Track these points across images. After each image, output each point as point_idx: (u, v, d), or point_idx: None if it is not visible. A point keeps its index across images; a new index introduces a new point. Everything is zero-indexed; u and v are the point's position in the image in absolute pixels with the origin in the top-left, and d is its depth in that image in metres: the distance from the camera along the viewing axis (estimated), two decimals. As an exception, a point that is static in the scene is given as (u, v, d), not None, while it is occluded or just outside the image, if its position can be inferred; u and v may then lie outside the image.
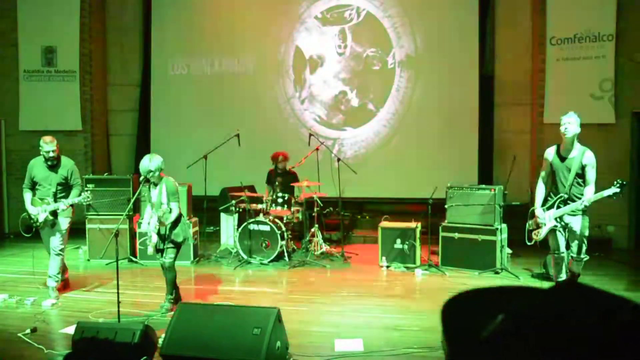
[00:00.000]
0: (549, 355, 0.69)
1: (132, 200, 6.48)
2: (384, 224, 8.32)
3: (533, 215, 6.11)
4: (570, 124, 5.67)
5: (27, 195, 6.72)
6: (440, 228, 8.05)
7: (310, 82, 11.38)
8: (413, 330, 5.48)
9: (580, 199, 5.71)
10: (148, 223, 6.04)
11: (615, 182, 5.53)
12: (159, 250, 6.09)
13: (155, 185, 6.04)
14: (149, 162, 5.90)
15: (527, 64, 10.50)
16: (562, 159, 5.83)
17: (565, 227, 5.87)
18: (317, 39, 11.32)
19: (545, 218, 5.91)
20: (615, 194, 5.53)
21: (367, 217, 10.54)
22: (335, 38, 11.23)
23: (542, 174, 6.11)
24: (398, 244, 8.08)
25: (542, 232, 5.94)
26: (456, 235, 7.91)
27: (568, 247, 5.95)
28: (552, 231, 5.92)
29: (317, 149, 9.11)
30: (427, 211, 7.97)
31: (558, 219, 5.85)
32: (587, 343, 0.68)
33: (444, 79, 10.80)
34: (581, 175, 5.73)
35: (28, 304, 6.34)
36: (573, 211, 5.76)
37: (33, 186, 6.74)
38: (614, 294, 0.75)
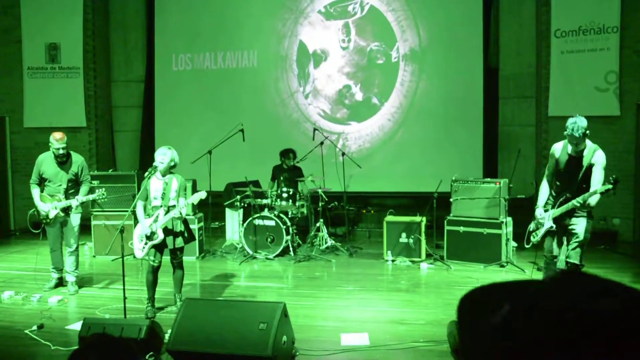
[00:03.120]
0: (555, 344, 0.69)
1: (138, 196, 6.43)
2: (389, 218, 8.31)
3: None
4: (579, 136, 5.03)
5: (36, 191, 6.68)
6: (445, 222, 8.03)
7: (314, 76, 11.37)
8: (419, 324, 5.48)
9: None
10: (155, 220, 5.74)
11: (610, 178, 5.00)
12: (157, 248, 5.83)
13: (160, 179, 5.82)
14: (167, 150, 5.80)
15: (531, 57, 10.46)
16: (571, 156, 5.32)
17: (566, 228, 5.37)
18: (320, 34, 11.29)
19: (545, 218, 5.48)
20: (607, 190, 5.00)
21: (372, 211, 10.53)
22: (339, 32, 11.21)
23: (547, 172, 5.62)
24: (403, 238, 8.08)
25: (540, 234, 5.54)
26: (461, 228, 7.90)
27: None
28: (549, 233, 5.50)
29: (321, 144, 9.08)
30: (432, 205, 7.97)
31: (555, 220, 5.39)
32: (595, 331, 0.68)
33: (448, 72, 10.77)
34: (588, 175, 5.20)
35: (34, 301, 6.37)
36: (577, 212, 5.29)
37: (41, 182, 6.72)
38: (619, 282, 0.75)
